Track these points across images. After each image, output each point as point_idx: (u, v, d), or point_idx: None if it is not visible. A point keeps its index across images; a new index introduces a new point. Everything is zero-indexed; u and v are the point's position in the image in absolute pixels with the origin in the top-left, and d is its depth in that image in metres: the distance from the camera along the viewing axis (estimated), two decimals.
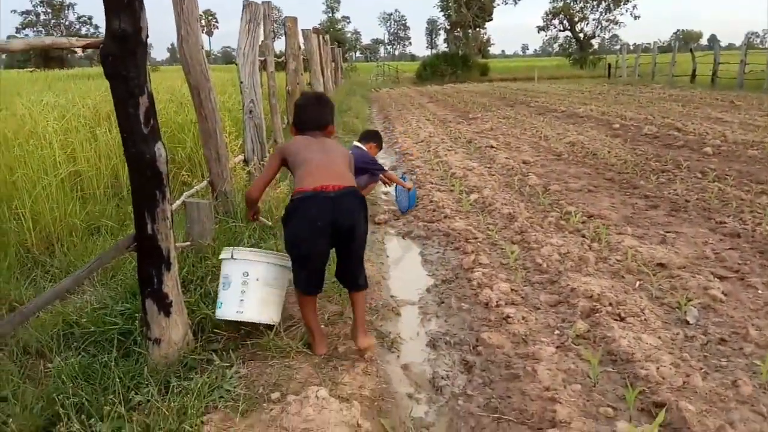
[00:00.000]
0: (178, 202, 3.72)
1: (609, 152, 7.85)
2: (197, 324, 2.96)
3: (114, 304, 3.08)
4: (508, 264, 4.01)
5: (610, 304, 3.18)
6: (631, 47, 34.80)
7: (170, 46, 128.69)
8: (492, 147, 8.86)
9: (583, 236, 4.48)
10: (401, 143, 9.93)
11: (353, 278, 2.77)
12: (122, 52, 2.39)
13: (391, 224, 5.37)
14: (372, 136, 5.45)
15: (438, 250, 4.55)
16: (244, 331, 2.95)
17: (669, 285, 3.48)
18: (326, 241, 2.61)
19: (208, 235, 3.65)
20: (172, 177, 5.28)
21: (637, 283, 3.56)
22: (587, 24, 58.04)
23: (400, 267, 4.35)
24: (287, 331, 2.96)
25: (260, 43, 7.62)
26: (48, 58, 66.19)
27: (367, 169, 5.10)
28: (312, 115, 2.87)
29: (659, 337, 2.85)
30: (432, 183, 6.74)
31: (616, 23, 57.90)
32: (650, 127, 9.89)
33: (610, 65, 35.17)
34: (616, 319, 3.05)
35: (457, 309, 3.43)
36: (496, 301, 3.37)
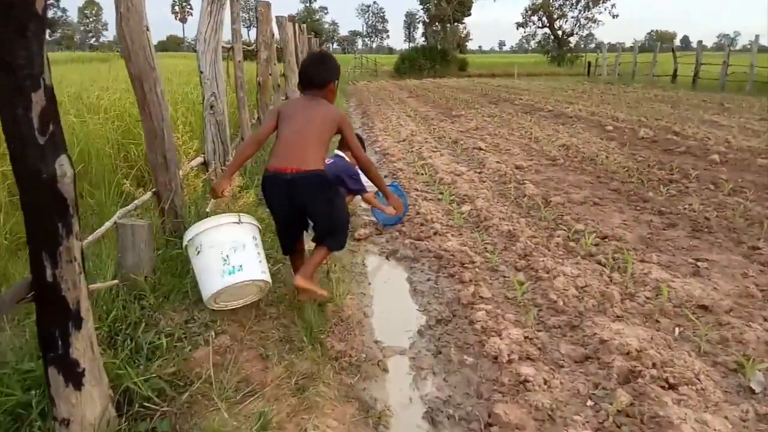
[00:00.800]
0: (109, 223, 2.96)
1: (607, 158, 7.24)
2: (122, 393, 2.23)
3: (18, 361, 2.33)
4: (516, 299, 3.35)
5: (654, 365, 2.53)
6: (606, 46, 34.51)
7: None
8: (480, 149, 8.19)
9: (600, 263, 3.83)
10: (381, 142, 9.22)
11: (320, 237, 3.01)
12: (5, 29, 1.65)
13: (372, 240, 4.66)
14: None
15: (429, 277, 3.86)
16: (186, 403, 2.24)
17: (718, 335, 2.84)
18: (288, 213, 2.94)
19: (145, 266, 2.89)
20: (116, 184, 4.49)
21: (677, 330, 2.92)
22: (566, 21, 58.00)
23: (385, 299, 3.64)
24: (240, 403, 2.25)
25: (233, 27, 6.83)
26: None
27: (345, 181, 4.37)
28: (312, 73, 2.98)
29: (726, 417, 2.21)
30: (417, 190, 6.05)
31: (595, 21, 57.97)
32: (646, 129, 9.33)
33: (589, 63, 34.87)
34: (664, 387, 2.40)
35: (459, 364, 2.74)
36: (508, 355, 2.69)
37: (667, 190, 5.59)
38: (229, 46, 6.79)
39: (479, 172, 6.87)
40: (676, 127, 9.53)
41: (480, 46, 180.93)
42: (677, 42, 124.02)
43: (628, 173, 6.42)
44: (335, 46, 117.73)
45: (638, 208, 5.15)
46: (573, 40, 58.90)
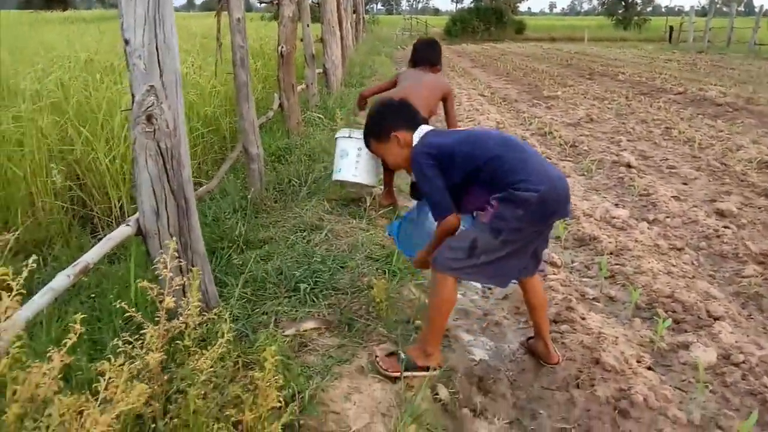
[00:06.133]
0: None
1: None
2: None
3: None
4: None
5: None
6: (663, 9, 30.38)
7: None
8: (629, 166, 5.16)
9: None
10: None
11: None
12: None
13: None
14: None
15: None
16: None
17: None
18: None
19: None
20: None
21: None
22: None
23: None
24: None
25: None
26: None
27: None
28: (424, 54, 3.79)
29: None
30: (556, 265, 3.17)
31: None
32: None
33: (671, 28, 30.66)
34: None
35: None
36: None
37: None
38: None
39: (653, 221, 3.91)
40: None
41: (529, 8, 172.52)
42: (740, 7, 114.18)
43: None
44: (379, 6, 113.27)
45: None
46: (639, 1, 53.91)
